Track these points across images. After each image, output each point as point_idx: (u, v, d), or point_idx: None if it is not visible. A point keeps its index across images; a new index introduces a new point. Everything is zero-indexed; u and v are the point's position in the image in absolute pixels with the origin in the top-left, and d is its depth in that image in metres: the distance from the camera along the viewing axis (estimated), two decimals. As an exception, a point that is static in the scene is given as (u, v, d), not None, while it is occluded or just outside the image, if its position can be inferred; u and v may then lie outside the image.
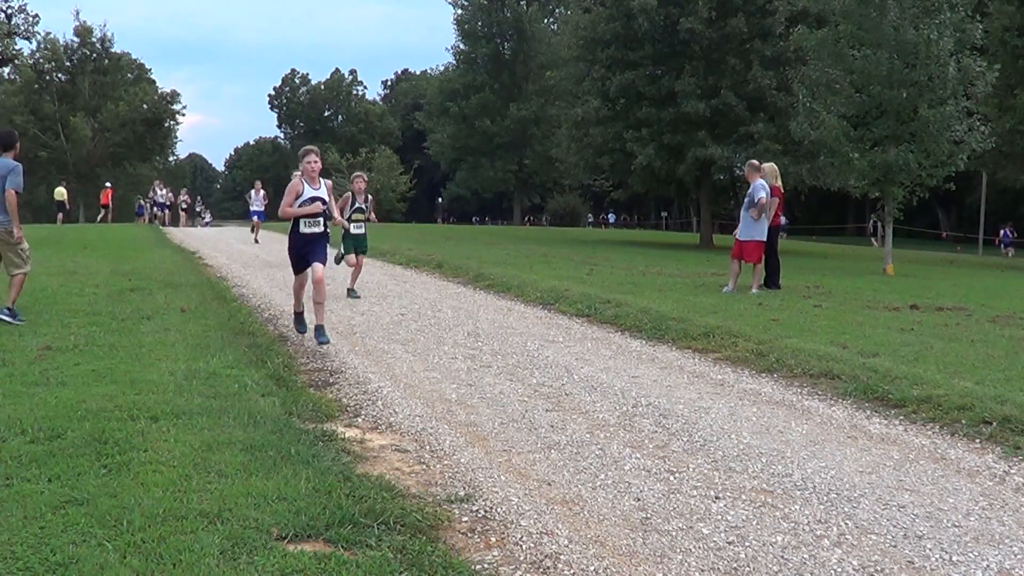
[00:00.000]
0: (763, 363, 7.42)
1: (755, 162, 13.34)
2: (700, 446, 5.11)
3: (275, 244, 21.65)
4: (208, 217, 50.30)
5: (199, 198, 53.12)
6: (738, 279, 12.76)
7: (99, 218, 39.21)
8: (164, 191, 38.07)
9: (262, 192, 24.73)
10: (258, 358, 7.05)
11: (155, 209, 37.50)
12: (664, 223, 65.63)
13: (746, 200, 12.66)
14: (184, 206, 40.98)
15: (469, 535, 3.75)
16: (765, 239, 12.55)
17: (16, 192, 8.58)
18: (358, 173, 11.98)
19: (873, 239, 45.94)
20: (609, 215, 69.59)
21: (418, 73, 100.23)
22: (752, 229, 12.42)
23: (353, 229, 11.56)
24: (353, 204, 11.65)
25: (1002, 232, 43.41)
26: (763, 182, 12.55)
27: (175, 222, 38.21)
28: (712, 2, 28.71)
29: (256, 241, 23.24)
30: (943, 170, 19.40)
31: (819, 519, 4.00)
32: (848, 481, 4.52)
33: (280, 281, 13.76)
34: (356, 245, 11.79)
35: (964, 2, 19.55)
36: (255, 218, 24.69)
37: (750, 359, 7.59)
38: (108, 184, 42.37)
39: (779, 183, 13.32)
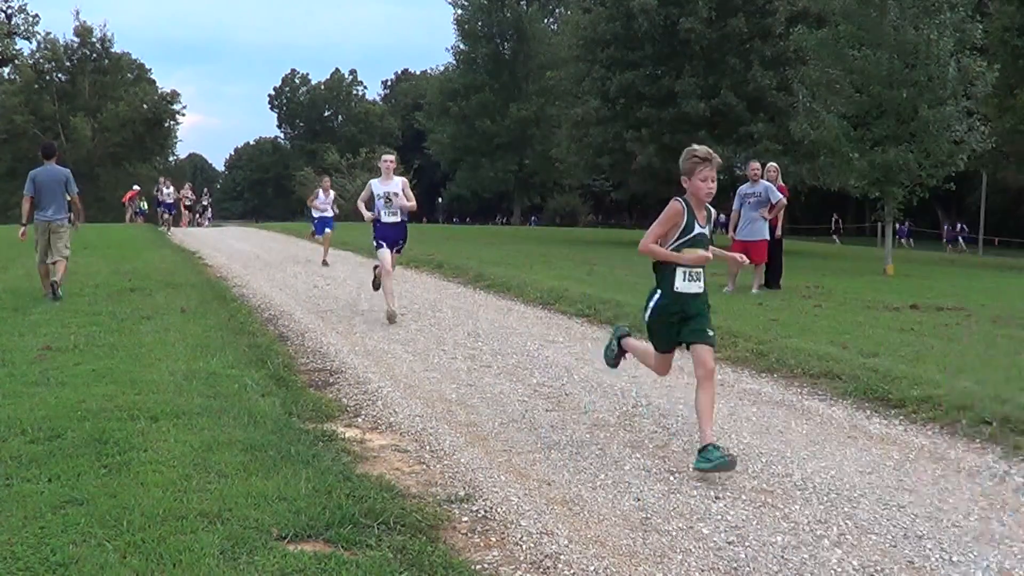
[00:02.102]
0: (763, 363, 7.42)
1: (758, 163, 13.39)
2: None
3: (340, 266, 16.81)
4: (210, 214, 45.58)
5: (205, 191, 46.65)
6: (737, 279, 12.76)
7: (139, 218, 38.19)
8: (170, 189, 32.80)
9: (332, 193, 17.96)
10: (258, 358, 7.05)
11: (160, 210, 32.60)
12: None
13: (752, 201, 12.61)
14: (188, 203, 35.87)
15: (469, 535, 3.75)
16: (769, 238, 12.61)
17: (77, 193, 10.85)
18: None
19: (835, 236, 46.90)
20: (532, 219, 66.95)
21: (418, 73, 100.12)
22: (763, 229, 12.46)
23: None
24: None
25: (946, 227, 44.92)
26: (771, 185, 12.61)
27: (177, 222, 33.73)
28: (712, 2, 28.72)
29: (325, 263, 16.28)
30: (943, 170, 19.38)
31: (819, 519, 4.00)
32: (848, 481, 4.52)
33: (280, 281, 13.75)
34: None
35: (964, 2, 19.53)
36: (319, 229, 17.36)
37: (750, 359, 7.59)
38: (136, 186, 41.69)
39: (780, 182, 13.36)
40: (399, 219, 9.84)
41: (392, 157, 10.16)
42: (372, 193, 9.91)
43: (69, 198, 10.72)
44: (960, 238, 45.59)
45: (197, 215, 38.94)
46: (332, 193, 17.86)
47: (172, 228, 30.15)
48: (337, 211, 18.10)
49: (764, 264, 12.82)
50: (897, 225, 46.16)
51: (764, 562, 3.53)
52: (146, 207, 40.32)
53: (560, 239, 31.83)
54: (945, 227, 46.49)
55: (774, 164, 13.71)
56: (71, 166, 11.59)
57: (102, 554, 3.22)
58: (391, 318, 9.46)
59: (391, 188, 9.82)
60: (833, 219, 49.38)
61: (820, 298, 12.35)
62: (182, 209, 35.54)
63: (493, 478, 4.46)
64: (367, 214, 9.98)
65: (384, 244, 9.78)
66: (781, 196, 12.53)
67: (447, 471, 4.59)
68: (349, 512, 3.69)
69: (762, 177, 12.79)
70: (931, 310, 11.31)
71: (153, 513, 3.59)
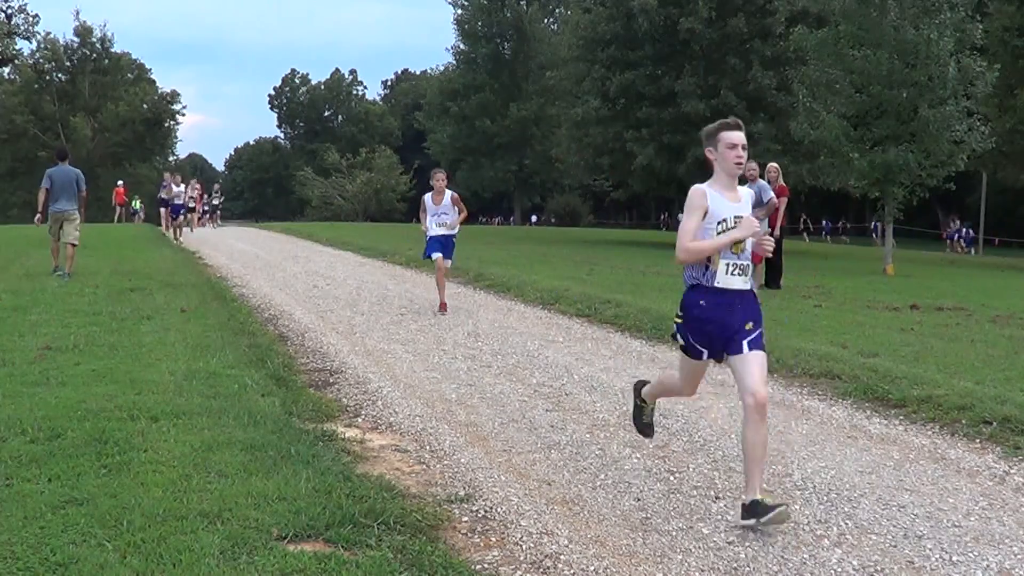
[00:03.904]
0: (763, 363, 7.41)
1: (755, 164, 13.35)
2: (700, 446, 5.11)
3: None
4: (219, 214, 39.12)
5: (216, 189, 39.54)
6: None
7: (123, 218, 37.36)
8: (180, 187, 25.44)
9: (450, 193, 10.62)
10: (258, 358, 7.05)
11: (165, 211, 25.73)
12: (664, 223, 65.72)
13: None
14: (191, 203, 28.71)
15: (469, 535, 3.75)
16: None
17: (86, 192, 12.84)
18: None
19: (805, 234, 47.21)
20: (531, 216, 68.74)
21: (418, 73, 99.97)
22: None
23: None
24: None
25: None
26: (766, 184, 12.59)
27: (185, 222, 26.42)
28: (712, 2, 28.72)
29: (443, 308, 10.41)
30: (943, 170, 19.39)
31: (819, 519, 4.00)
32: (848, 481, 4.52)
33: (280, 281, 13.75)
34: None
35: (964, 2, 19.54)
36: (431, 250, 10.58)
37: (750, 359, 7.57)
38: (120, 182, 40.76)
39: (781, 182, 13.34)
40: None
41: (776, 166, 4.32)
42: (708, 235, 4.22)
43: (80, 194, 12.42)
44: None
45: (207, 215, 34.67)
46: (450, 194, 10.63)
47: (183, 232, 24.66)
48: (459, 225, 10.89)
49: (762, 263, 12.80)
50: (965, 231, 46.09)
51: (764, 562, 3.53)
52: (138, 207, 39.82)
53: (560, 239, 31.83)
54: (873, 223, 46.48)
55: (775, 164, 13.70)
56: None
57: (102, 554, 3.22)
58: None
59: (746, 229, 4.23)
60: (801, 219, 49.90)
61: (820, 298, 12.35)
62: (188, 210, 28.94)
63: (493, 478, 4.46)
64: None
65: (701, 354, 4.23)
66: (772, 196, 12.46)
67: (447, 471, 4.59)
68: (349, 512, 3.68)
69: (761, 177, 12.76)
70: (931, 310, 11.32)
71: (153, 513, 3.59)
